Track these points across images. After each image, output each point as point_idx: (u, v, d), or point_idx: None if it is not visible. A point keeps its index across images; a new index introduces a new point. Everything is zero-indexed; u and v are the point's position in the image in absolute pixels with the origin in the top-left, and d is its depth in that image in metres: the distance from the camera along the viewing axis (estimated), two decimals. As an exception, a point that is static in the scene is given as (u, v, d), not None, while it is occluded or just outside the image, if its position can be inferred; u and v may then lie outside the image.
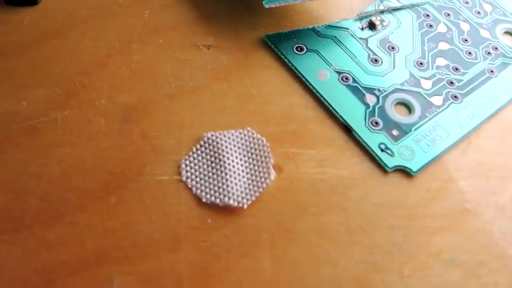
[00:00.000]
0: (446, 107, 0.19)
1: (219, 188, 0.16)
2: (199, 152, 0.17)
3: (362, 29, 0.21)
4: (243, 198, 0.16)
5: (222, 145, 0.17)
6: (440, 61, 0.20)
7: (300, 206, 0.16)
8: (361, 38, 0.20)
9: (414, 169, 0.17)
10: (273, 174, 0.17)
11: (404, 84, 0.19)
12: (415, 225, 0.16)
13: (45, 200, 0.16)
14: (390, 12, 0.21)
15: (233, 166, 0.17)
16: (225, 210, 0.16)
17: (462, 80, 0.19)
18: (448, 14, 0.22)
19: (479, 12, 0.22)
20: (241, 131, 0.18)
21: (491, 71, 0.20)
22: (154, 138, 0.17)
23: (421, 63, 0.20)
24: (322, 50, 0.20)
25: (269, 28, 0.20)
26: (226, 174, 0.16)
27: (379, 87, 0.19)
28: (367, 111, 0.18)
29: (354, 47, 0.20)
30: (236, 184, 0.16)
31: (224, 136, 0.17)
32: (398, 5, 0.22)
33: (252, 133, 0.17)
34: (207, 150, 0.17)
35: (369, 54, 0.20)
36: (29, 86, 0.18)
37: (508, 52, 0.20)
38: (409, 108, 0.19)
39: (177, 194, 0.16)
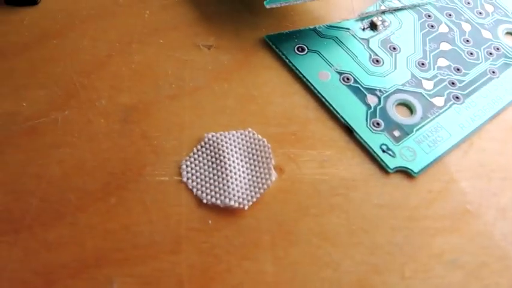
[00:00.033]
0: (448, 108, 0.19)
1: (219, 189, 0.16)
2: (200, 152, 0.17)
3: (363, 29, 0.21)
4: (244, 199, 0.16)
5: (222, 146, 0.17)
6: (442, 62, 0.20)
7: (301, 207, 0.16)
8: (362, 39, 0.20)
9: (416, 170, 0.17)
10: (274, 175, 0.17)
11: (405, 85, 0.19)
12: (417, 227, 0.16)
13: (46, 201, 0.16)
14: (391, 13, 0.21)
15: (234, 167, 0.17)
16: (226, 211, 0.16)
17: (464, 81, 0.19)
18: (450, 15, 0.21)
19: (480, 13, 0.22)
20: (242, 131, 0.17)
21: (493, 72, 0.20)
22: (154, 139, 0.17)
23: (423, 64, 0.20)
24: (324, 50, 0.20)
25: (270, 28, 0.20)
26: (227, 175, 0.16)
27: (380, 87, 0.19)
28: (369, 112, 0.18)
29: (355, 47, 0.20)
30: (237, 185, 0.16)
31: (225, 137, 0.17)
32: (399, 5, 0.21)
33: (253, 134, 0.17)
34: (208, 151, 0.17)
35: (370, 55, 0.20)
36: (29, 87, 0.18)
37: (510, 53, 0.20)
38: (410, 109, 0.19)
39: (178, 195, 0.16)
